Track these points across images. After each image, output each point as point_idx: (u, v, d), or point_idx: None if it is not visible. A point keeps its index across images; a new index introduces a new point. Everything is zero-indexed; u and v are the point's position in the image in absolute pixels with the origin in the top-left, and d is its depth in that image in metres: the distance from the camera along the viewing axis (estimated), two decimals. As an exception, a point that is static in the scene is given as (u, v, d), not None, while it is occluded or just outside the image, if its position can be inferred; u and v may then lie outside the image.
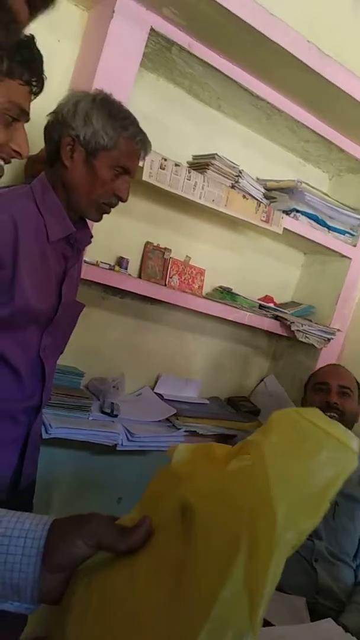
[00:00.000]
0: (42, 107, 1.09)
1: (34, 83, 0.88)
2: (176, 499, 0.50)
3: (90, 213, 1.13)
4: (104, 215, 1.16)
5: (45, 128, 1.10)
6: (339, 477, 0.47)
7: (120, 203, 1.15)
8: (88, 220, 1.19)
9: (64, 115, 1.06)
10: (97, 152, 1.06)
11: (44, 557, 0.46)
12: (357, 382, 1.64)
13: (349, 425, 1.54)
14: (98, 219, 1.15)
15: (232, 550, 0.42)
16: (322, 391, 1.59)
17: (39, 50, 0.89)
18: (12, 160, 0.94)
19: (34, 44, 0.88)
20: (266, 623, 1.16)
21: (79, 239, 1.16)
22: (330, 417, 1.52)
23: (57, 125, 1.08)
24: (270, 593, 0.41)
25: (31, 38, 0.87)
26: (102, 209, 1.13)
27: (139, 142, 1.11)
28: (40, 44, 1.42)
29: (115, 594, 0.46)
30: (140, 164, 1.40)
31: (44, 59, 1.40)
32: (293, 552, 0.44)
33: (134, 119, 1.11)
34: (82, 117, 1.05)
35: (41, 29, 1.42)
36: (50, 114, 1.09)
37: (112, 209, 1.16)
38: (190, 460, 0.57)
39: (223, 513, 0.46)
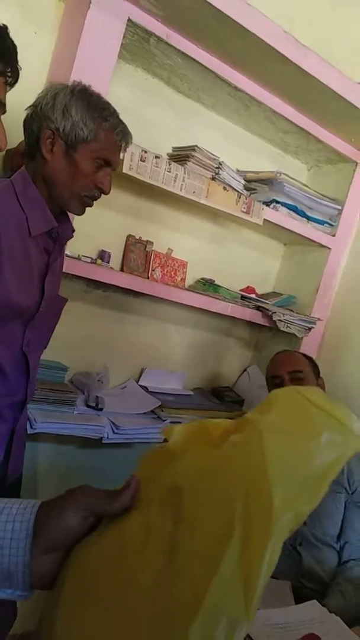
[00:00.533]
0: (20, 99, 1.08)
1: (8, 74, 0.87)
2: (166, 479, 0.49)
3: (72, 206, 1.12)
4: (86, 209, 1.16)
5: (25, 121, 1.09)
6: (340, 461, 0.45)
7: (102, 196, 1.14)
8: (70, 214, 1.19)
9: (43, 108, 1.05)
10: (78, 145, 1.06)
11: (34, 538, 0.46)
12: (308, 358, 1.66)
13: None
14: (80, 212, 1.15)
15: (225, 535, 0.41)
16: (277, 384, 1.59)
17: (12, 41, 0.88)
18: None
19: (7, 34, 0.87)
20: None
21: (61, 233, 1.16)
22: None
23: (36, 118, 1.06)
24: (266, 580, 0.40)
25: (4, 28, 0.86)
26: (84, 202, 1.12)
27: (119, 134, 1.10)
28: (16, 36, 1.39)
29: (105, 575, 0.45)
30: (121, 156, 1.40)
31: (20, 50, 1.38)
32: (291, 533, 0.43)
33: (114, 110, 1.10)
34: (61, 109, 1.04)
35: (17, 21, 1.41)
36: (29, 107, 1.08)
37: (94, 204, 1.16)
38: (185, 439, 0.55)
39: (215, 495, 0.44)
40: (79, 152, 1.06)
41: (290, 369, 1.59)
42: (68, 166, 1.07)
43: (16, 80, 0.90)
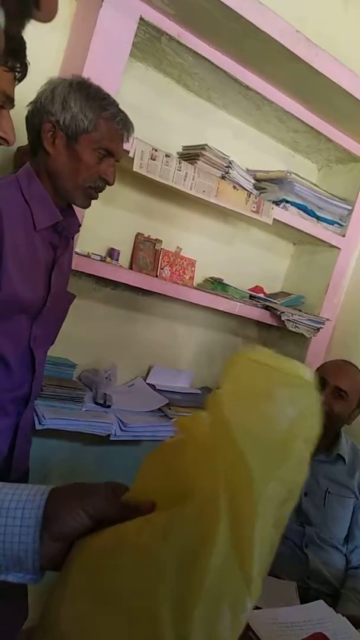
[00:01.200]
0: (32, 98, 1.09)
1: (17, 69, 0.87)
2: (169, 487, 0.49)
3: (77, 198, 1.12)
4: (95, 206, 1.16)
5: (27, 118, 1.09)
6: (303, 414, 0.44)
7: (110, 193, 1.15)
8: (77, 209, 1.19)
9: (42, 102, 1.06)
10: (78, 136, 1.05)
11: (44, 524, 0.46)
12: None
13: (333, 428, 1.52)
14: (86, 204, 1.14)
15: (214, 515, 0.40)
16: (320, 384, 1.52)
17: (22, 37, 0.89)
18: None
19: None
20: (255, 607, 1.18)
21: (67, 227, 1.16)
22: None
23: (36, 113, 1.07)
24: (264, 552, 0.39)
25: None
26: (88, 194, 1.11)
27: (120, 122, 1.09)
28: (28, 34, 1.40)
29: (104, 564, 0.45)
30: (131, 154, 1.40)
31: (33, 48, 1.39)
32: (289, 508, 0.42)
33: (113, 100, 1.09)
34: (60, 101, 1.04)
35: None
36: (30, 103, 1.09)
37: (103, 202, 1.16)
38: (188, 429, 0.54)
39: (203, 478, 0.44)
40: (80, 143, 1.06)
41: (340, 384, 1.50)
42: (70, 158, 1.07)
43: (24, 76, 0.91)
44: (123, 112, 1.10)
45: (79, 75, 1.10)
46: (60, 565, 0.48)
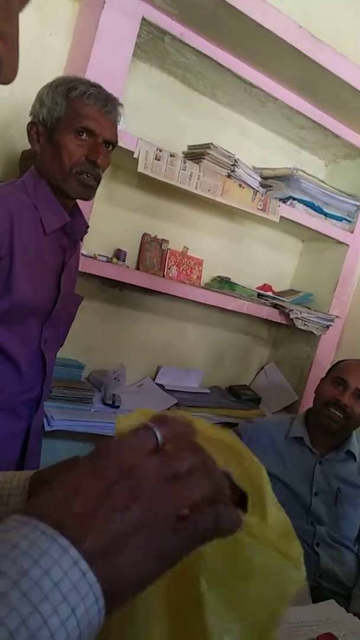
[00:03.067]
0: (35, 101, 1.10)
1: None
2: None
3: (71, 188, 1.08)
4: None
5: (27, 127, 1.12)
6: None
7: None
8: (83, 210, 1.19)
9: (31, 110, 1.09)
10: (56, 125, 1.05)
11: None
12: None
13: (351, 426, 1.51)
14: (82, 192, 1.10)
15: None
16: (338, 386, 1.50)
17: None
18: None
19: None
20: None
21: (75, 228, 1.16)
22: (335, 415, 1.48)
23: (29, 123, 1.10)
24: None
25: None
26: (80, 181, 1.07)
27: (90, 97, 1.05)
28: (32, 38, 1.42)
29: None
30: (135, 155, 1.41)
31: (36, 52, 1.40)
32: None
33: (85, 80, 1.07)
34: (38, 100, 1.07)
35: (33, 23, 1.43)
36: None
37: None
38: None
39: None
40: (59, 131, 1.05)
41: None
42: (53, 149, 1.06)
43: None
44: (96, 86, 1.06)
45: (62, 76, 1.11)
46: None
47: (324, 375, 1.62)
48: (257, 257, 2.09)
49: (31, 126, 1.07)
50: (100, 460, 0.32)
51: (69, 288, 1.21)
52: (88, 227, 1.23)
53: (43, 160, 1.08)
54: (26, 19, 1.38)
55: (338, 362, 1.62)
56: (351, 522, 1.46)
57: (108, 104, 1.08)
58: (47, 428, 1.38)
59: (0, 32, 0.32)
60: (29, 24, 1.41)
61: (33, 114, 1.07)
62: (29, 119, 1.11)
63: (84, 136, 1.05)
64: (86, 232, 1.23)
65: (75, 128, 1.05)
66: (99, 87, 1.07)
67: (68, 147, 1.05)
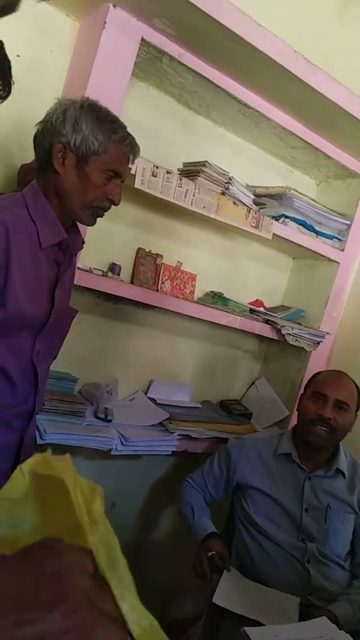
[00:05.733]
0: (36, 116, 1.11)
1: (0, 87, 0.89)
2: None
3: (84, 217, 1.14)
4: (97, 221, 1.18)
5: (35, 137, 1.12)
6: None
7: (112, 209, 1.17)
8: (80, 226, 1.21)
9: (53, 123, 1.08)
10: (88, 157, 1.08)
11: None
12: (358, 392, 1.55)
13: (338, 438, 1.51)
14: (92, 223, 1.17)
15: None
16: (319, 401, 1.50)
17: (6, 55, 0.90)
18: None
19: (2, 48, 0.89)
20: (258, 623, 1.18)
21: (71, 244, 1.18)
22: (321, 431, 1.50)
23: (47, 133, 1.09)
24: None
25: (0, 43, 0.89)
26: (95, 213, 1.15)
27: (128, 146, 1.12)
28: (32, 54, 1.44)
29: None
30: (132, 171, 1.43)
31: (36, 68, 1.42)
32: None
33: (122, 123, 1.13)
34: (72, 123, 1.07)
35: (33, 40, 1.45)
36: (38, 123, 1.11)
37: (105, 218, 1.18)
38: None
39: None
40: (90, 165, 1.08)
41: (340, 397, 1.49)
42: (79, 179, 1.09)
43: (8, 95, 0.93)
44: (131, 135, 1.13)
45: (89, 97, 1.13)
46: None
47: (302, 392, 1.62)
48: (249, 273, 2.11)
49: (60, 147, 1.07)
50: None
51: (63, 302, 1.21)
52: (84, 242, 1.24)
53: (63, 183, 1.09)
54: (27, 34, 1.42)
55: (313, 377, 1.62)
56: (341, 538, 1.46)
57: (136, 153, 1.16)
58: (39, 441, 1.38)
59: None
60: (30, 39, 1.44)
61: (60, 134, 1.07)
62: (28, 134, 1.12)
63: (110, 176, 1.11)
64: (82, 248, 1.25)
65: (108, 169, 1.10)
66: (131, 135, 1.14)
67: (96, 183, 1.10)
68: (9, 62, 0.90)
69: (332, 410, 1.48)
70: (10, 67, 0.91)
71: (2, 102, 0.93)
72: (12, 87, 0.91)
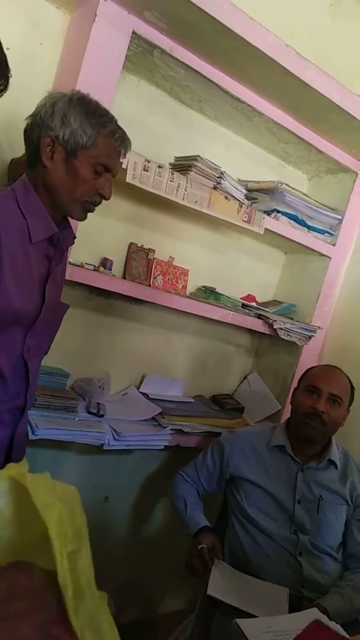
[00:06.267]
0: (26, 110, 1.10)
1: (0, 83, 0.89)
2: None
3: (74, 212, 1.13)
4: (88, 216, 1.17)
5: (25, 130, 1.10)
6: None
7: (104, 204, 1.16)
8: (71, 221, 1.20)
9: (42, 116, 1.07)
10: (77, 152, 1.07)
11: None
12: (351, 386, 1.57)
13: (331, 432, 1.53)
14: (82, 217, 1.16)
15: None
16: (313, 394, 1.52)
17: (2, 50, 0.90)
18: None
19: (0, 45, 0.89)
20: (250, 615, 1.19)
21: (62, 239, 1.17)
22: (314, 424, 1.52)
23: (35, 126, 1.08)
24: None
25: None
26: (85, 207, 1.13)
27: (118, 139, 1.11)
28: (23, 47, 1.43)
29: None
30: (124, 165, 1.42)
31: (27, 61, 1.41)
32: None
33: (112, 116, 1.11)
34: (60, 117, 1.05)
35: (23, 32, 1.44)
36: (28, 117, 1.09)
37: (97, 213, 1.18)
38: None
39: None
40: (79, 159, 1.07)
41: (334, 391, 1.51)
42: (68, 173, 1.08)
43: (5, 89, 0.92)
44: (121, 129, 1.12)
45: (79, 91, 1.11)
46: None
47: (296, 386, 1.64)
48: (241, 268, 2.12)
49: (48, 141, 1.06)
50: None
51: (54, 297, 1.21)
52: (75, 237, 1.24)
53: (52, 177, 1.08)
54: (17, 27, 1.40)
55: (307, 371, 1.64)
56: (333, 530, 1.48)
57: (127, 147, 1.14)
58: (31, 437, 1.38)
59: None
60: (20, 32, 1.42)
61: (49, 128, 1.05)
62: (18, 127, 1.11)
63: (100, 170, 1.10)
64: (73, 243, 1.24)
65: (98, 163, 1.09)
66: (122, 128, 1.12)
67: (85, 177, 1.08)
68: (5, 57, 0.90)
69: (325, 403, 1.50)
70: (7, 62, 0.90)
71: (0, 95, 0.92)
72: (9, 81, 0.91)
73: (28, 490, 0.46)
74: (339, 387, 1.53)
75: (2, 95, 0.93)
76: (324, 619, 1.11)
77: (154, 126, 1.75)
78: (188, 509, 1.55)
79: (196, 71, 1.56)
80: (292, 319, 1.99)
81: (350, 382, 1.58)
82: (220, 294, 1.89)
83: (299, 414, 1.53)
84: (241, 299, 1.99)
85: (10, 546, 0.47)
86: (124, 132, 1.12)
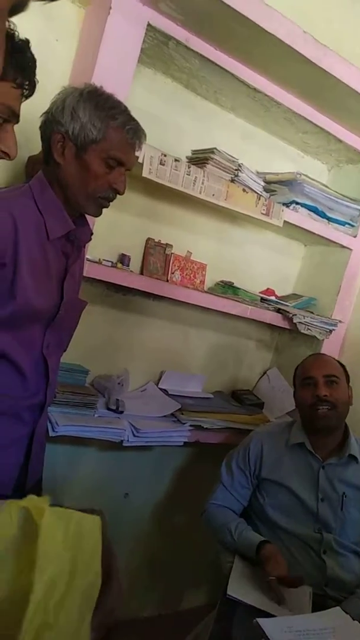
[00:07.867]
0: (42, 107, 1.10)
1: (25, 86, 0.89)
2: None
3: (88, 208, 1.11)
4: (105, 212, 1.16)
5: (40, 127, 1.10)
6: None
7: (119, 199, 1.14)
8: (88, 217, 1.19)
9: (53, 112, 1.06)
10: (87, 146, 1.05)
11: None
12: (343, 366, 1.60)
13: (343, 414, 1.52)
14: (97, 213, 1.14)
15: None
16: (310, 386, 1.53)
17: (32, 55, 0.90)
18: (3, 161, 0.95)
19: (29, 48, 0.89)
20: (269, 615, 1.17)
21: (79, 236, 1.16)
22: (324, 411, 1.51)
23: (48, 123, 1.07)
24: None
25: (26, 42, 0.88)
26: (100, 204, 1.11)
27: (130, 131, 1.07)
28: (38, 44, 1.41)
29: None
30: (140, 160, 1.41)
31: (43, 58, 1.40)
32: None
33: (124, 108, 1.08)
34: (69, 111, 1.04)
35: (39, 29, 1.43)
36: (43, 113, 1.09)
37: (113, 208, 1.16)
38: None
39: None
40: (89, 154, 1.05)
41: (325, 372, 1.53)
42: (80, 168, 1.06)
43: (31, 94, 0.92)
44: (134, 120, 1.09)
45: (91, 84, 1.09)
46: None
47: (293, 386, 1.65)
48: (260, 262, 2.09)
49: (59, 137, 1.05)
50: None
51: (72, 294, 1.20)
52: (92, 234, 1.23)
53: (65, 174, 1.07)
54: (32, 24, 1.39)
55: (295, 370, 1.65)
56: (358, 526, 1.45)
57: (141, 138, 1.10)
58: (51, 434, 1.38)
59: None
60: (35, 29, 1.41)
61: (59, 123, 1.04)
62: (35, 124, 1.11)
63: (113, 164, 1.07)
64: (90, 240, 1.23)
65: (109, 157, 1.06)
66: (135, 120, 1.09)
67: (97, 172, 1.06)
68: (34, 61, 0.90)
69: (324, 387, 1.51)
70: (35, 66, 0.90)
71: (25, 100, 0.92)
72: (36, 86, 0.91)
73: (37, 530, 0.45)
74: (330, 367, 1.56)
75: (27, 99, 0.93)
76: (348, 619, 1.09)
77: (170, 119, 1.73)
78: (235, 535, 1.46)
79: (212, 61, 1.53)
80: (312, 312, 1.96)
81: (339, 361, 1.63)
82: (238, 288, 1.87)
83: (306, 408, 1.53)
84: (260, 293, 1.96)
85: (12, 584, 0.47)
86: (137, 124, 1.09)
